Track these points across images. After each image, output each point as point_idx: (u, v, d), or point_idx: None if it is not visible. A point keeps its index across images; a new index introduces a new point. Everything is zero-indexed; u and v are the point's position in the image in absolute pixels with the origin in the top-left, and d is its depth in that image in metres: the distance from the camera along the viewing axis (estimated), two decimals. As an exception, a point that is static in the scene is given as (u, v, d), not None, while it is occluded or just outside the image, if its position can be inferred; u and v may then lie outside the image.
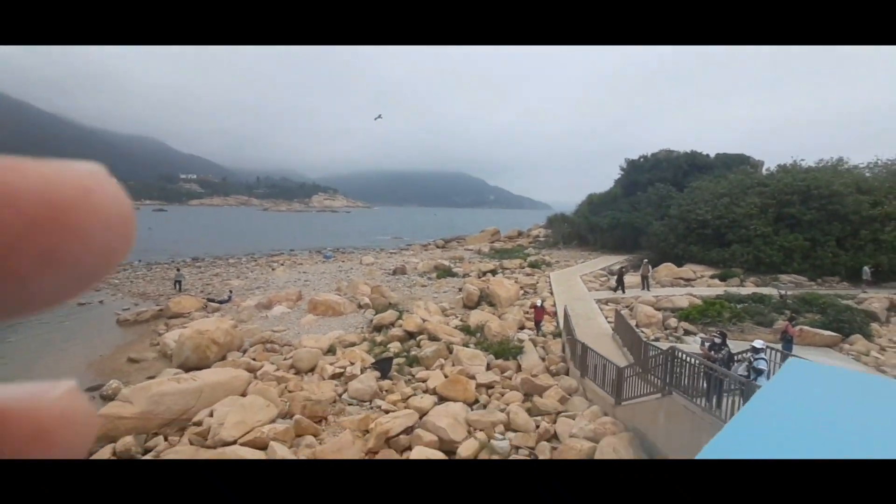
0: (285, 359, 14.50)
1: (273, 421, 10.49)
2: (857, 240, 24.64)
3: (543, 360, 14.06)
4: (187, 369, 13.84)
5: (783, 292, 20.54)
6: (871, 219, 24.98)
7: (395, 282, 27.22)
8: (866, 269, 22.63)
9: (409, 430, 10.10)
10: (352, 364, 13.62)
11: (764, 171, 36.64)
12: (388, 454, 9.34)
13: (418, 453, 9.06)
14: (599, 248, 39.45)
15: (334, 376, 13.12)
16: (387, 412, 11.05)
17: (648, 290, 22.48)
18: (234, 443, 9.51)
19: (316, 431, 10.37)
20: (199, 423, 10.85)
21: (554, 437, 9.90)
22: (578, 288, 24.25)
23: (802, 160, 33.28)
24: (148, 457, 9.34)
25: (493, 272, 29.05)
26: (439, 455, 9.06)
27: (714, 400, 7.76)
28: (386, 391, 12.33)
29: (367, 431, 10.23)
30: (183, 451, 9.62)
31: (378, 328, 17.24)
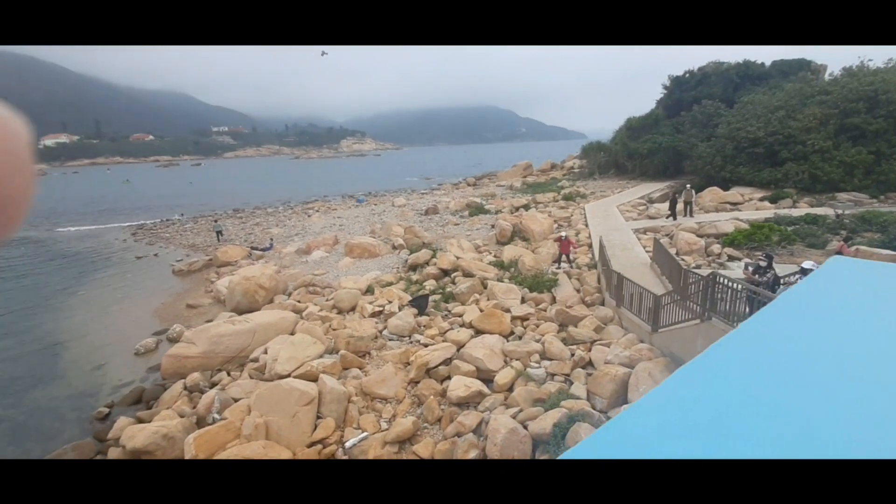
0: (327, 300, 15.23)
1: (321, 356, 11.26)
2: (930, 149, 22.23)
3: (578, 291, 14.07)
4: (240, 312, 14.86)
5: (840, 212, 19.15)
6: (950, 124, 22.29)
7: (428, 222, 27.37)
8: (939, 180, 20.57)
9: (447, 362, 10.60)
10: (390, 302, 14.15)
11: (827, 77, 32.84)
12: (429, 384, 9.90)
13: (457, 382, 9.54)
14: (638, 175, 37.59)
15: (374, 314, 13.72)
16: (425, 346, 11.58)
17: (692, 216, 21.54)
18: (289, 376, 10.32)
19: (361, 364, 11.07)
20: (255, 360, 11.82)
21: (589, 365, 10.13)
22: (615, 218, 23.53)
23: (870, 61, 29.49)
24: (215, 389, 10.34)
25: (526, 207, 28.56)
26: (478, 383, 9.51)
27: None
28: (424, 326, 12.83)
29: (408, 363, 10.82)
30: (245, 384, 10.57)
31: (413, 267, 17.64)
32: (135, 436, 8.49)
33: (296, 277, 17.55)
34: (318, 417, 9.09)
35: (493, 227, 22.91)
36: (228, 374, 11.64)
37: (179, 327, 14.71)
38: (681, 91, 40.27)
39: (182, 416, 9.63)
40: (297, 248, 22.45)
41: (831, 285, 2.64)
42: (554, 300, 13.69)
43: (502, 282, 14.91)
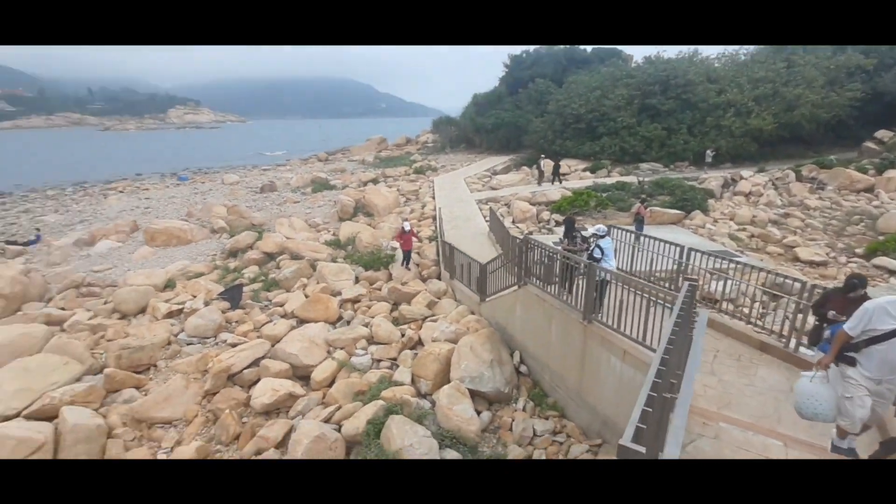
0: (106, 302, 11.91)
1: (77, 380, 8.47)
2: (703, 126, 27.02)
3: (417, 265, 13.37)
4: (-36, 332, 10.66)
5: (641, 178, 22.09)
6: (716, 106, 27.32)
7: (263, 200, 24.19)
8: (708, 152, 25.14)
9: (256, 363, 8.85)
10: (193, 298, 11.59)
11: (633, 64, 37.90)
12: (228, 395, 8.07)
13: (264, 386, 7.94)
14: (485, 149, 39.08)
15: (171, 314, 11.08)
16: (235, 346, 9.59)
17: (547, 183, 22.63)
18: (18, 416, 7.45)
19: (139, 383, 8.64)
20: (-27, 398, 8.41)
21: (419, 344, 9.41)
22: (461, 190, 23.71)
23: (664, 51, 34.82)
24: None
25: (375, 181, 27.20)
26: (289, 384, 8.03)
27: (567, 285, 7.54)
28: (236, 322, 10.74)
29: (206, 371, 8.77)
30: (-57, 436, 7.32)
31: (233, 253, 15.00)
32: None
33: (64, 277, 13.44)
34: (56, 467, 6.63)
35: (335, 203, 21.08)
36: (-77, 425, 8.05)
37: None
38: (519, 70, 42.67)
39: None
40: (77, 238, 17.52)
41: None
42: (390, 277, 12.76)
43: (335, 262, 13.44)
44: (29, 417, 7.34)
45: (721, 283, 8.03)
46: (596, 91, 30.23)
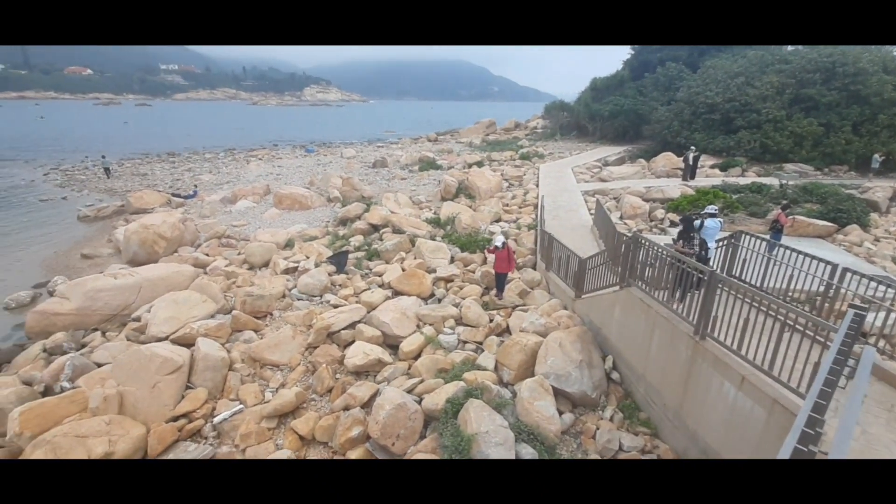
0: (239, 253, 13.67)
1: (212, 316, 9.90)
2: (873, 125, 22.28)
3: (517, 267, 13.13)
4: (136, 265, 13.11)
5: (784, 182, 18.98)
6: (892, 102, 22.30)
7: (374, 175, 25.65)
8: (876, 156, 20.75)
9: (353, 326, 9.50)
10: (307, 258, 12.78)
11: (790, 48, 32.42)
12: (326, 350, 8.81)
13: (357, 348, 8.51)
14: (599, 138, 36.75)
15: (288, 271, 12.36)
16: (336, 307, 10.41)
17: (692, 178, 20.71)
18: (166, 339, 8.97)
19: (257, 327, 9.81)
20: (138, 320, 10.33)
21: (506, 332, 9.29)
22: (567, 179, 22.68)
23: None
24: (70, 354, 8.86)
25: (479, 164, 27.18)
26: (378, 351, 8.51)
27: (678, 293, 6.81)
28: (339, 286, 11.62)
29: (311, 326, 9.66)
30: (115, 347, 9.12)
31: (343, 221, 16.19)
32: (-54, 408, 7.02)
33: (210, 228, 15.73)
34: (189, 388, 7.87)
35: (439, 182, 21.55)
36: (103, 335, 10.12)
37: (62, 279, 12.84)
38: (647, 52, 39.02)
39: (29, 384, 8.17)
40: (223, 196, 20.35)
41: None
42: (485, 261, 12.73)
43: (434, 240, 13.78)
44: (174, 342, 8.79)
45: (878, 314, 6.60)
46: (738, 77, 26.48)
